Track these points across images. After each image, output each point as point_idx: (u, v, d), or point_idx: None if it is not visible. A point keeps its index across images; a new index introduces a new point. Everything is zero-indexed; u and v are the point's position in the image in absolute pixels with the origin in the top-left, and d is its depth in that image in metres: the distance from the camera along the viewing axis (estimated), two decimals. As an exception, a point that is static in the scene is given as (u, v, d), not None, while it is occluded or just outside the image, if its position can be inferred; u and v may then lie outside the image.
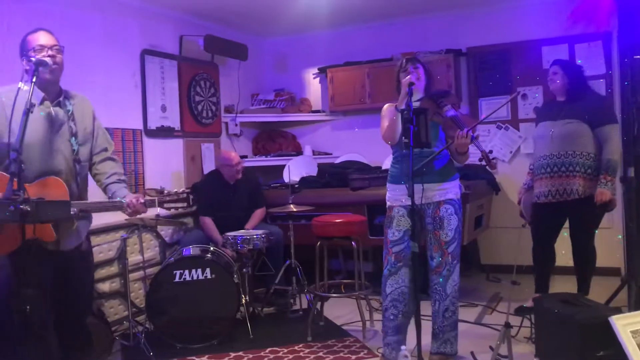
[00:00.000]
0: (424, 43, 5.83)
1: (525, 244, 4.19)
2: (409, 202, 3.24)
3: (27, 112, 2.37)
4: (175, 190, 2.81)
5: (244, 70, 6.13)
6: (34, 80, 2.48)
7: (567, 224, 4.11)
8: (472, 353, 3.46)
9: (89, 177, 2.86)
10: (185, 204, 2.78)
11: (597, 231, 4.08)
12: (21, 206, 2.20)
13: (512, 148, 5.66)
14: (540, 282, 4.20)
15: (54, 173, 2.60)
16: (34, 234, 2.38)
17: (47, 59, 2.58)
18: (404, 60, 3.42)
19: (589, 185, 3.89)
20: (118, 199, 2.73)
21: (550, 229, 4.13)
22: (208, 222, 4.77)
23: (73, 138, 2.69)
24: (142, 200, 2.70)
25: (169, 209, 2.81)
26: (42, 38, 2.64)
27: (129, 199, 2.69)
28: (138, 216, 4.16)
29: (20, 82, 2.57)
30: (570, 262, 4.15)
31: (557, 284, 4.56)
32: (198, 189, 5.12)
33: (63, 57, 2.70)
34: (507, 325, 3.09)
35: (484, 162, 3.07)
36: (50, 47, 2.64)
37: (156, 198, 2.74)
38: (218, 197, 4.83)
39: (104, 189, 2.83)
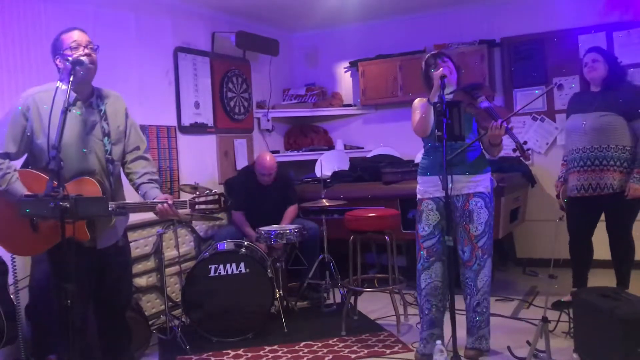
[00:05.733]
0: (457, 34, 5.76)
1: (562, 237, 4.12)
2: (438, 194, 3.24)
3: (66, 111, 2.40)
4: (207, 191, 2.71)
5: (275, 66, 6.16)
6: (71, 79, 2.49)
7: (603, 217, 4.02)
8: (508, 348, 3.41)
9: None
10: (217, 206, 2.63)
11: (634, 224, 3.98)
12: (61, 203, 2.24)
13: (548, 140, 5.55)
14: (578, 277, 4.11)
15: (88, 173, 2.62)
16: (72, 234, 2.41)
17: (84, 58, 2.57)
18: (430, 57, 3.37)
19: (624, 179, 3.79)
20: (149, 201, 2.68)
21: (585, 223, 4.03)
22: (239, 216, 4.82)
23: (106, 138, 2.69)
24: (171, 202, 2.62)
25: (200, 211, 2.67)
26: (77, 35, 2.63)
27: (159, 206, 2.61)
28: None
29: (58, 82, 2.58)
30: (608, 256, 4.05)
31: (595, 278, 4.45)
32: (231, 184, 5.16)
33: (97, 56, 2.68)
34: (545, 320, 3.03)
35: (517, 153, 3.03)
36: (86, 45, 2.62)
37: (187, 201, 2.64)
38: (250, 194, 4.86)
39: (136, 189, 2.80)
